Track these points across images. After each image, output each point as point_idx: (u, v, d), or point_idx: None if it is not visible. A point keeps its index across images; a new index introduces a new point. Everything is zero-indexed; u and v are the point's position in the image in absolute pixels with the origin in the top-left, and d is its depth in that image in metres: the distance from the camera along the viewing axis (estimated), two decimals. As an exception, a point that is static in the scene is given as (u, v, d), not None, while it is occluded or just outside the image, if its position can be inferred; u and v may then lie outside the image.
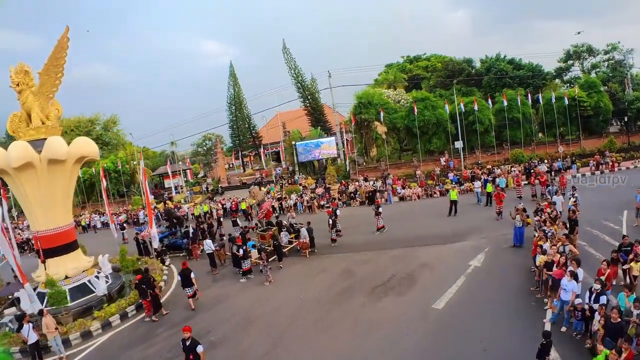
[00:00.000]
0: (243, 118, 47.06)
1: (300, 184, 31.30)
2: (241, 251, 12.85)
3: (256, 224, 18.45)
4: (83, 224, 31.37)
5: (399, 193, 24.63)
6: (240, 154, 50.45)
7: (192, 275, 11.27)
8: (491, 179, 21.91)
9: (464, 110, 28.75)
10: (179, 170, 40.50)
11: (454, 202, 18.07)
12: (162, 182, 43.16)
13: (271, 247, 14.39)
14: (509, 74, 36.92)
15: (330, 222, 15.81)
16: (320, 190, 27.45)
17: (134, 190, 39.68)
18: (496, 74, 37.33)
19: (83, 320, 11.20)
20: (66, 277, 12.66)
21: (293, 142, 34.89)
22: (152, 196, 38.71)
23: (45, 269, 12.42)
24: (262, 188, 28.14)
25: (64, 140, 13.01)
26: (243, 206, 25.45)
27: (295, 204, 25.54)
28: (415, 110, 28.99)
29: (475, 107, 28.85)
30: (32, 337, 9.37)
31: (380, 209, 16.67)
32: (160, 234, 17.90)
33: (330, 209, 17.47)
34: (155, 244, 14.28)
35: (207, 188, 41.61)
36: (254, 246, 14.21)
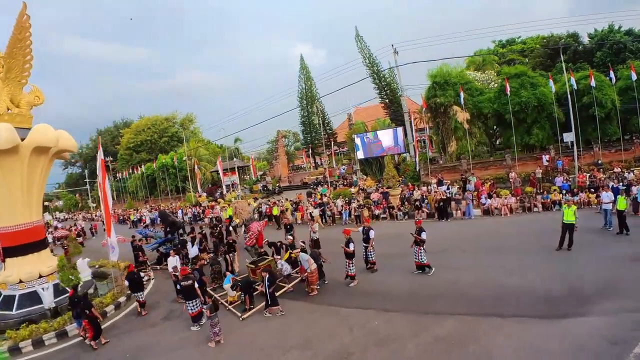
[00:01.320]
0: (316, 113, 45.71)
1: (359, 187, 27.45)
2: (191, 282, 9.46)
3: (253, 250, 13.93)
4: (132, 218, 32.88)
5: (483, 204, 18.33)
6: (311, 152, 49.07)
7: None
8: (623, 187, 15.02)
9: (575, 88, 21.31)
10: (235, 167, 40.18)
11: (568, 227, 11.12)
12: (220, 180, 43.84)
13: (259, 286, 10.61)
14: (629, 47, 30.62)
15: (350, 247, 10.54)
16: (376, 196, 22.75)
17: (189, 186, 40.85)
18: (612, 48, 30.96)
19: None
20: (20, 282, 11.56)
21: (353, 135, 31.28)
22: (206, 193, 39.48)
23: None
24: (252, 202, 23.09)
25: (52, 129, 12.22)
26: (275, 211, 22.86)
27: (340, 213, 21.41)
28: (508, 89, 22.36)
29: (592, 83, 21.30)
30: None
31: (424, 235, 10.49)
32: (156, 240, 16.31)
33: (354, 229, 11.97)
34: (113, 256, 12.30)
35: (264, 187, 40.78)
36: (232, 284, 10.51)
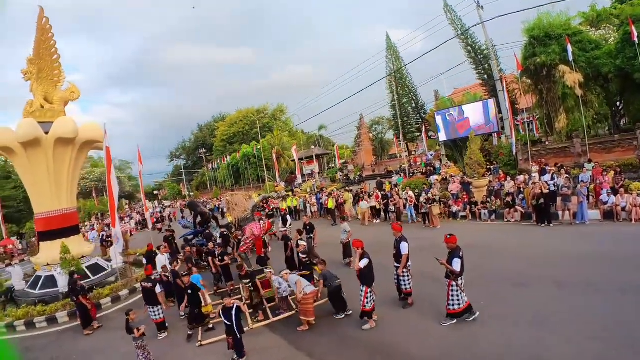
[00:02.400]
0: (407, 95, 43.06)
1: (442, 176, 23.93)
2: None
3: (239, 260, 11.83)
4: (212, 207, 35.66)
5: (604, 203, 13.04)
6: (401, 138, 46.21)
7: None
8: None
9: None
10: (313, 156, 40.24)
11: None
12: (301, 168, 44.59)
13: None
14: None
15: (362, 264, 7.33)
16: (455, 188, 19.00)
17: (270, 175, 42.53)
18: None
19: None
20: (47, 265, 13.11)
21: (435, 112, 27.68)
22: (284, 183, 40.54)
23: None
24: (255, 196, 19.27)
25: (74, 121, 13.60)
26: (330, 204, 20.99)
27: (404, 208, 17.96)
28: (635, 34, 16.25)
29: None
30: None
31: (457, 264, 6.72)
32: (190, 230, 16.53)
33: (360, 248, 7.69)
34: (118, 247, 12.92)
35: (346, 176, 39.96)
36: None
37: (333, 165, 45.76)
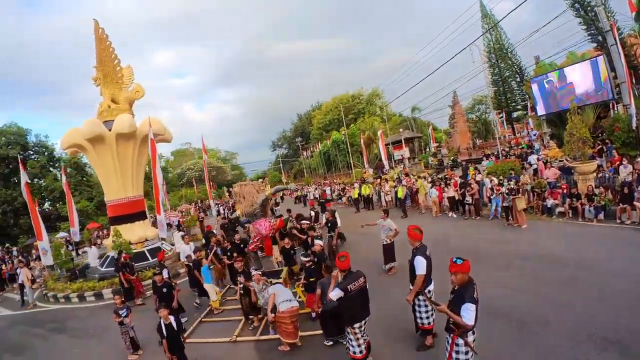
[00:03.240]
0: (509, 69, 37.65)
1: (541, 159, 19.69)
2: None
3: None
4: (299, 194, 36.74)
5: None
6: (505, 117, 40.40)
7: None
8: None
9: None
10: (402, 140, 37.90)
11: None
12: (391, 154, 42.57)
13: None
14: None
15: (334, 295, 5.11)
16: (552, 175, 14.89)
17: (357, 161, 41.67)
18: None
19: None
20: (131, 243, 14.97)
21: (530, 79, 22.93)
22: (372, 169, 39.12)
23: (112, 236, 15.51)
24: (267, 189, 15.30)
25: (132, 118, 15.46)
26: (400, 193, 18.69)
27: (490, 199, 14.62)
28: None
29: None
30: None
31: (469, 316, 4.01)
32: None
33: (343, 269, 5.37)
34: (162, 233, 13.96)
35: (440, 161, 36.67)
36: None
37: (428, 150, 42.54)
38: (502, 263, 8.52)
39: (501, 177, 16.12)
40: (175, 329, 6.18)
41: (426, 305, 5.57)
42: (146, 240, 15.94)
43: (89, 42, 15.25)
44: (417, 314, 5.72)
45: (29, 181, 16.82)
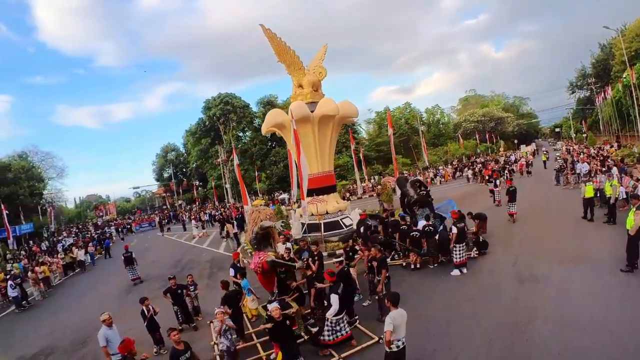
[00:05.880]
0: None
1: None
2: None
3: None
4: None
5: None
6: None
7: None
8: None
9: None
10: None
11: None
12: None
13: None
14: None
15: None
16: None
17: None
18: None
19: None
20: (327, 213, 16.95)
21: None
22: None
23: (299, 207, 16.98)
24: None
25: (334, 101, 16.87)
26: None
27: None
28: None
29: None
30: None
31: None
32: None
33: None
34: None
35: None
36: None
37: None
38: None
39: None
40: None
41: None
42: (339, 211, 16.62)
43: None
44: None
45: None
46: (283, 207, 22.98)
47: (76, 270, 22.58)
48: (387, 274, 8.36)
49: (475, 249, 12.10)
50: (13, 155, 48.63)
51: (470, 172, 34.60)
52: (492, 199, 21.11)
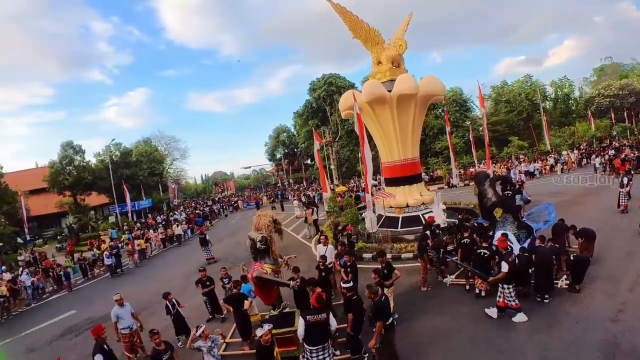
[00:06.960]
0: None
1: None
2: None
3: None
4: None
5: None
6: None
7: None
8: None
9: None
10: None
11: None
12: None
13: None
14: None
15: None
16: None
17: None
18: None
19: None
20: (390, 207, 15.22)
21: None
22: None
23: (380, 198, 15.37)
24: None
25: (412, 78, 14.96)
26: None
27: None
28: None
29: None
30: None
31: None
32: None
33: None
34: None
35: None
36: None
37: None
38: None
39: None
40: None
41: None
42: (423, 204, 14.69)
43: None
44: None
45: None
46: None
47: (175, 244, 24.66)
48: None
49: (565, 277, 8.78)
50: (139, 141, 56.00)
51: (597, 160, 27.90)
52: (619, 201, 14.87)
